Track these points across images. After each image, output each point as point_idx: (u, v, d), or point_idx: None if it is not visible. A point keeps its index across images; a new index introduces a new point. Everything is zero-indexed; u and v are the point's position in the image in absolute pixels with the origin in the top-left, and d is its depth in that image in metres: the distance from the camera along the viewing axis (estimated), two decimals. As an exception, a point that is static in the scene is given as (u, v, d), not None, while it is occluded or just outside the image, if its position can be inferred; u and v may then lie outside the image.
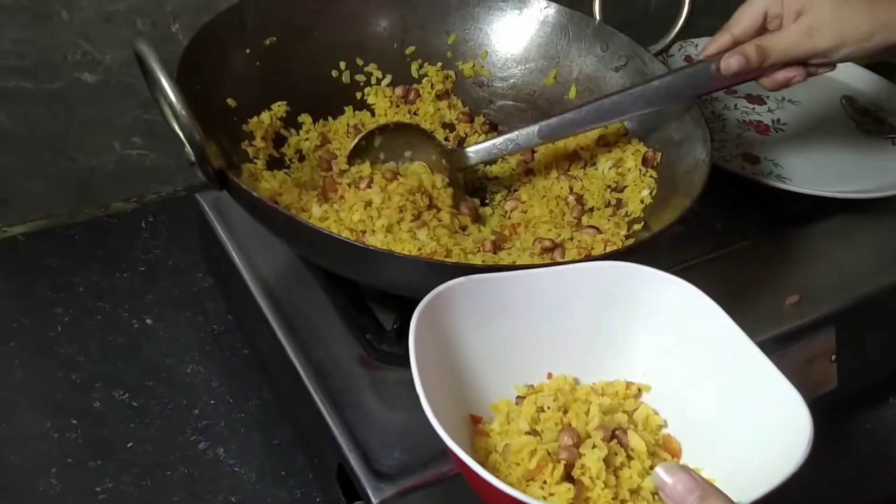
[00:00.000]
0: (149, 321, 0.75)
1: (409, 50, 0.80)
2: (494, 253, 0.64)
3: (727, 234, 0.76)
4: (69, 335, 0.72)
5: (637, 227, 0.67)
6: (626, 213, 0.69)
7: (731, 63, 0.64)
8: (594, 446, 0.47)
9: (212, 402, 0.69)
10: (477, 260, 0.61)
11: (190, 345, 0.73)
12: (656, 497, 0.45)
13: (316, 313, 0.65)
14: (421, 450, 0.56)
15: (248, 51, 0.71)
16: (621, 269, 0.53)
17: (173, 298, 0.77)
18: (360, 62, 0.78)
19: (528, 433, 0.48)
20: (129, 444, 0.65)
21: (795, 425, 0.45)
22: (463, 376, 0.50)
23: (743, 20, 0.66)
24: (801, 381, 0.68)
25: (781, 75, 0.65)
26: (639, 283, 0.52)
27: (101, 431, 0.66)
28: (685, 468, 0.42)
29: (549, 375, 0.53)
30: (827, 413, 0.73)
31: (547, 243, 0.64)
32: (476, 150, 0.72)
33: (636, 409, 0.52)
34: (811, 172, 0.83)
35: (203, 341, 0.74)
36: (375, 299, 0.66)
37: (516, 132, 0.70)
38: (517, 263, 0.62)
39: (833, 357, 0.71)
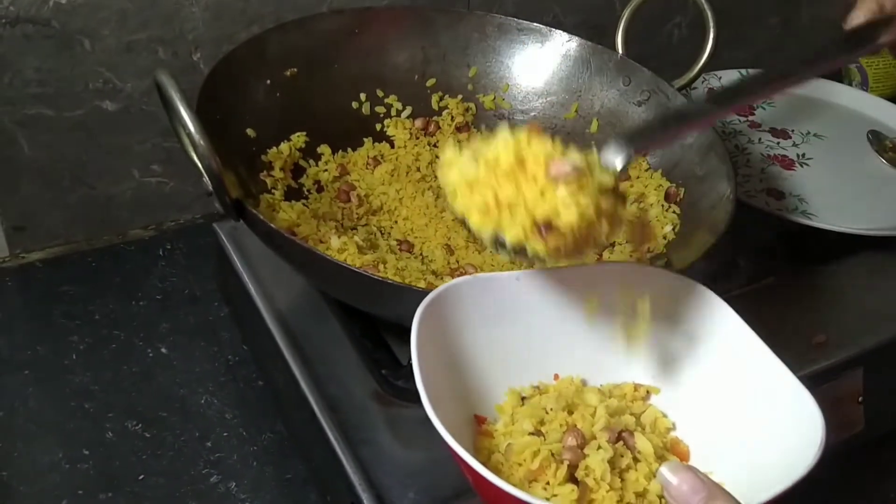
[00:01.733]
0: (163, 350, 0.74)
1: (430, 82, 0.79)
2: None
3: (751, 271, 0.75)
4: (84, 364, 0.72)
5: (659, 263, 0.66)
6: (648, 249, 0.68)
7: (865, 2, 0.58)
8: (599, 447, 0.46)
9: (225, 434, 0.68)
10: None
11: (204, 375, 0.72)
12: (663, 500, 0.44)
13: (331, 346, 0.64)
14: (437, 490, 0.54)
15: (268, 81, 0.71)
16: (631, 271, 0.52)
17: (189, 327, 0.76)
18: (380, 94, 0.78)
19: (531, 434, 0.47)
20: (141, 477, 0.64)
21: (807, 426, 0.44)
22: (468, 376, 0.49)
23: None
24: (827, 422, 0.67)
25: None
26: (649, 284, 0.51)
27: (113, 463, 0.65)
28: (690, 468, 0.41)
29: (556, 377, 0.52)
30: (853, 455, 0.72)
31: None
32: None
33: (644, 411, 0.51)
34: (837, 208, 0.82)
35: (217, 372, 0.73)
36: (392, 333, 0.65)
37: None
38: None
39: (860, 398, 0.69)
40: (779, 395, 0.47)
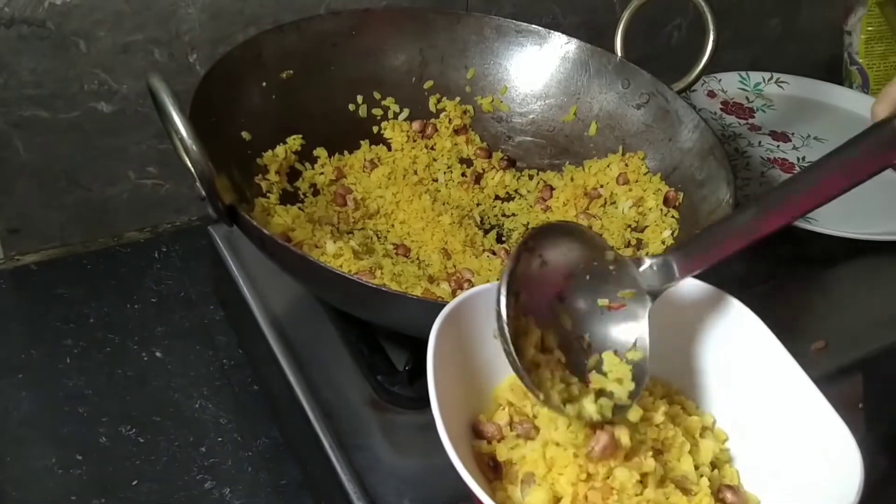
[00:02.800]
0: (158, 354, 0.73)
1: (428, 84, 0.79)
2: None
3: (751, 276, 0.74)
4: (78, 367, 0.71)
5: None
6: (647, 254, 0.68)
7: None
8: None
9: (219, 439, 0.67)
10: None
11: (199, 379, 0.72)
12: None
13: (326, 352, 0.63)
14: (432, 498, 0.54)
15: (264, 84, 0.70)
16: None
17: (183, 331, 0.76)
18: (377, 96, 0.77)
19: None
20: (135, 482, 0.64)
21: (845, 470, 0.43)
22: (486, 388, 0.48)
23: None
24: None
25: None
26: (683, 295, 0.49)
27: (107, 468, 0.64)
28: None
29: None
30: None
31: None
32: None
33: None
34: (838, 213, 0.80)
35: (212, 376, 0.72)
36: (387, 338, 0.65)
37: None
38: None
39: (860, 404, 0.69)
40: (815, 428, 0.45)
